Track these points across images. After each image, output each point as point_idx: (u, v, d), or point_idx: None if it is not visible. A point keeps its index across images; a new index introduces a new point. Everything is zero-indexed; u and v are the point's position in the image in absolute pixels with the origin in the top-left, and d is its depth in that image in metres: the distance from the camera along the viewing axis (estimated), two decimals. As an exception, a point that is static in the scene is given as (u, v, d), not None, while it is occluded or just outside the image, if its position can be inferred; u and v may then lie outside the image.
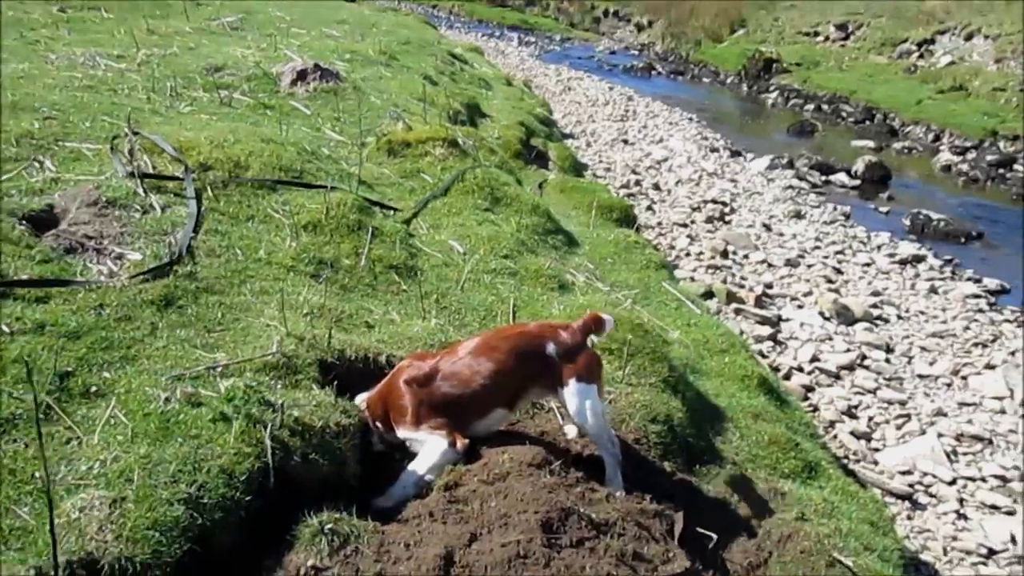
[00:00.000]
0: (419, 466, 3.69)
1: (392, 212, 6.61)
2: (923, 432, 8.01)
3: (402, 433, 3.81)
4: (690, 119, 22.11)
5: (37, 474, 3.05)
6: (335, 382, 4.00)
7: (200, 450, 3.23)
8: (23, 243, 4.59)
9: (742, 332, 8.91)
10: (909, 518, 6.89)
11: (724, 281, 10.36)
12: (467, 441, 3.79)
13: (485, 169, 7.77)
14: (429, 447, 3.74)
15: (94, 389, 3.59)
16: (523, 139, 11.96)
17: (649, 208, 13.18)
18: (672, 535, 3.82)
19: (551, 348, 3.87)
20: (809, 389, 8.31)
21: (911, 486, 7.21)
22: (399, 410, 3.80)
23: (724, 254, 11.37)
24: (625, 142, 18.02)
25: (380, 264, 5.65)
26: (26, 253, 4.50)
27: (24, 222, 4.92)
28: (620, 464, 3.97)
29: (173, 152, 6.15)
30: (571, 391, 3.83)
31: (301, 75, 9.72)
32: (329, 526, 3.16)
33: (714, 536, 4.07)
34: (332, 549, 3.11)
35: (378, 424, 3.88)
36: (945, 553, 6.52)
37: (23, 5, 12.97)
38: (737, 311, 9.44)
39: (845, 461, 7.11)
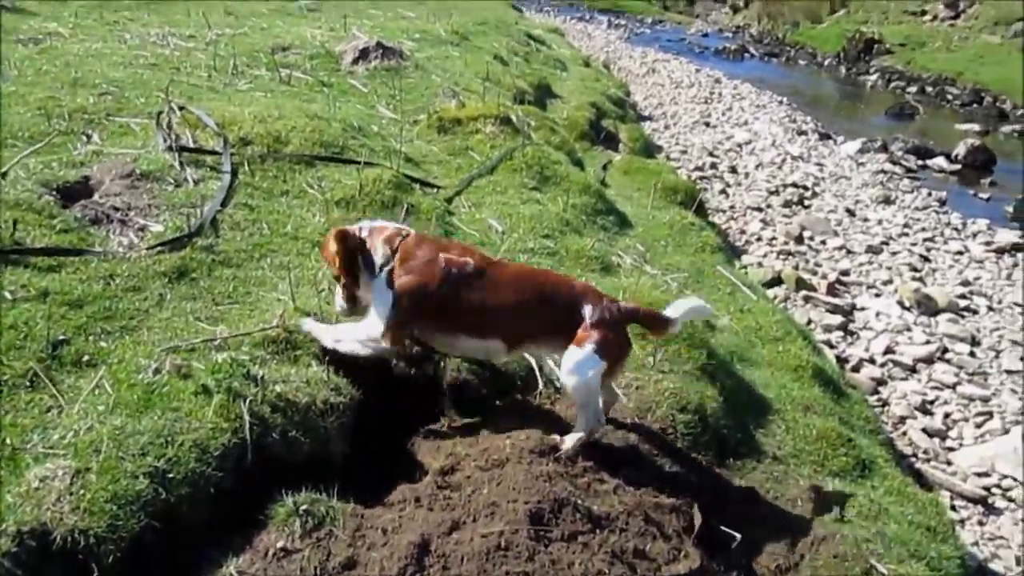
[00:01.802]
0: (348, 332, 3.75)
1: (434, 189, 6.46)
2: (1006, 431, 7.42)
3: (380, 290, 3.66)
4: (780, 102, 21.31)
5: (8, 440, 3.01)
6: (338, 360, 3.87)
7: (177, 423, 3.14)
8: (46, 213, 4.62)
9: (810, 321, 8.46)
10: (981, 523, 6.39)
11: (796, 267, 9.87)
12: (396, 347, 3.77)
13: (536, 147, 7.55)
14: (368, 322, 3.68)
15: (86, 358, 3.55)
16: (592, 120, 11.67)
17: (723, 192, 12.71)
18: (689, 532, 3.57)
19: (587, 310, 3.63)
20: (880, 382, 7.81)
21: (986, 489, 6.69)
22: (407, 271, 3.64)
23: (799, 239, 10.85)
24: (707, 124, 17.48)
25: (413, 241, 5.50)
26: (47, 223, 4.52)
27: (55, 192, 4.97)
28: (590, 435, 3.70)
29: (215, 126, 6.14)
30: (574, 353, 3.57)
31: (363, 54, 9.68)
32: (304, 507, 3.03)
33: (737, 536, 3.79)
34: (305, 531, 2.98)
35: (375, 257, 3.72)
36: (1018, 563, 6.02)
37: (110, -13, 13.32)
38: (807, 299, 8.96)
39: (912, 460, 6.65)
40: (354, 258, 3.72)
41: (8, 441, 3.01)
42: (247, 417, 3.20)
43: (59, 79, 7.25)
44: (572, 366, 3.57)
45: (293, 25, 11.94)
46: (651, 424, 4.22)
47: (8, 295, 3.78)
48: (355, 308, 3.83)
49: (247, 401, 3.26)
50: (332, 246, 3.68)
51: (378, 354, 3.75)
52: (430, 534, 2.95)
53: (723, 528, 3.79)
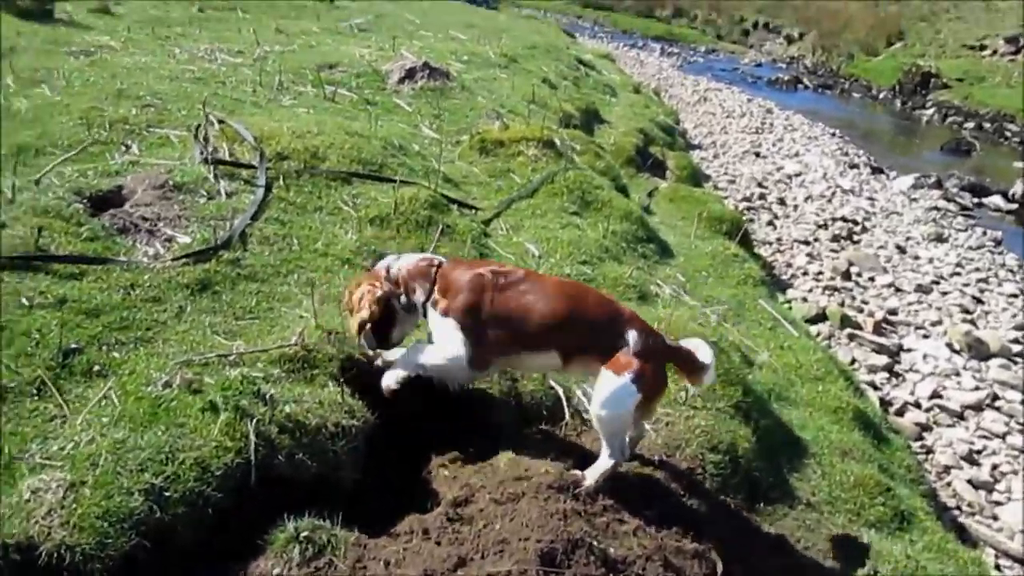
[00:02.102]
0: (427, 355, 3.52)
1: (472, 211, 6.33)
2: (1058, 487, 7.03)
3: (438, 322, 3.51)
4: (832, 134, 20.89)
5: (6, 449, 2.91)
6: (356, 380, 3.74)
7: (180, 440, 3.02)
8: (74, 220, 4.58)
9: (853, 360, 8.13)
10: (1027, 586, 6.02)
11: (842, 304, 9.52)
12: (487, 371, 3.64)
13: (578, 172, 7.40)
14: (448, 345, 3.47)
15: (96, 368, 3.47)
16: (639, 146, 11.49)
17: (770, 223, 12.41)
18: (710, 581, 3.36)
19: (632, 335, 3.42)
20: (925, 428, 7.43)
21: (1035, 549, 6.31)
22: (456, 295, 3.49)
23: (846, 275, 10.50)
24: (757, 155, 17.17)
25: (445, 262, 5.37)
26: (74, 230, 4.48)
27: (86, 201, 4.94)
28: (614, 470, 3.49)
29: (252, 140, 6.10)
30: (610, 380, 3.37)
31: (409, 73, 9.65)
32: (305, 533, 2.88)
33: (762, 586, 3.57)
34: (303, 559, 2.84)
35: (414, 298, 3.58)
36: (1066, 631, 5.65)
37: (166, 4, 13.55)
38: (851, 337, 8.62)
39: (955, 513, 6.29)
40: (392, 313, 3.62)
41: (7, 450, 2.91)
42: (253, 437, 3.07)
43: (104, 90, 7.31)
44: (607, 393, 3.38)
45: (342, 44, 11.99)
46: (679, 463, 4.02)
47: (25, 301, 3.72)
48: (386, 345, 3.73)
49: (254, 420, 3.12)
50: (369, 309, 3.53)
51: (465, 380, 3.61)
52: (434, 570, 2.78)
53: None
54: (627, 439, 3.60)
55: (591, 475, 3.44)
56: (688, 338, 3.78)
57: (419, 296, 3.59)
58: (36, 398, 3.24)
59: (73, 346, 3.53)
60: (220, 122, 6.44)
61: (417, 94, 9.33)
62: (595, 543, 3.03)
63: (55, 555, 2.56)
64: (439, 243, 5.46)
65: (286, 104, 8.06)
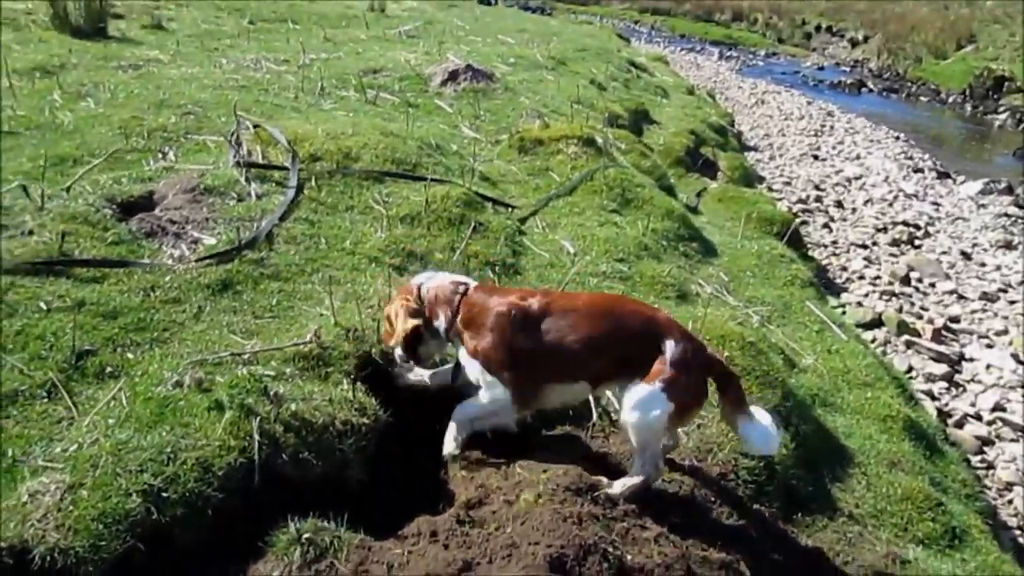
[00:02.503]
0: (473, 409, 3.43)
1: (508, 209, 6.20)
2: None
3: (468, 362, 3.42)
4: (896, 137, 20.20)
5: (9, 452, 2.87)
6: (372, 378, 3.63)
7: (183, 439, 2.95)
8: (100, 225, 4.58)
9: (910, 368, 7.75)
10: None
11: (899, 310, 9.11)
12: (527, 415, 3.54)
13: (619, 170, 7.21)
14: (487, 392, 3.38)
15: (109, 370, 3.43)
16: (689, 147, 11.23)
17: (825, 226, 12.00)
18: (738, 594, 3.16)
19: (668, 345, 3.26)
20: (986, 442, 7.00)
21: (1102, 573, 5.88)
22: (478, 331, 3.37)
23: (905, 280, 10.07)
24: (815, 157, 16.69)
25: (476, 260, 5.25)
26: (100, 235, 4.48)
27: (116, 207, 4.95)
28: (646, 484, 3.32)
29: (285, 143, 6.07)
30: (640, 390, 3.22)
31: (452, 75, 9.57)
32: (307, 535, 2.78)
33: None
34: (304, 561, 2.73)
35: (435, 324, 3.49)
36: None
37: (218, 19, 13.74)
38: (908, 344, 8.22)
39: (1015, 533, 5.90)
40: (420, 337, 3.53)
41: (10, 453, 2.87)
42: (256, 436, 2.98)
43: (147, 101, 7.37)
44: (635, 402, 3.23)
45: (389, 50, 11.98)
46: (710, 468, 3.81)
47: (43, 305, 3.70)
48: (417, 359, 3.64)
49: (259, 419, 3.03)
50: (407, 322, 3.47)
51: (516, 420, 3.49)
52: (437, 575, 2.64)
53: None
54: (660, 449, 3.42)
55: (619, 486, 3.29)
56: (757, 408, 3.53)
57: (440, 323, 3.49)
58: (46, 400, 3.21)
59: (87, 348, 3.50)
60: (255, 126, 6.43)
61: (459, 96, 9.24)
62: (610, 549, 2.87)
63: (48, 558, 2.50)
64: (471, 240, 5.34)
65: (326, 108, 8.04)
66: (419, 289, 3.57)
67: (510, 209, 6.22)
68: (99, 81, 8.12)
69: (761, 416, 3.41)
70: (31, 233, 4.33)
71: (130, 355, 3.54)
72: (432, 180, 5.85)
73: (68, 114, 6.88)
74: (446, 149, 7.12)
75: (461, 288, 3.51)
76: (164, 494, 2.74)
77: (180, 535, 2.72)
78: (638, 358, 3.29)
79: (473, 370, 3.42)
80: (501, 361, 3.33)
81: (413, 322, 3.45)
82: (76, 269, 4.06)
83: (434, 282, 3.58)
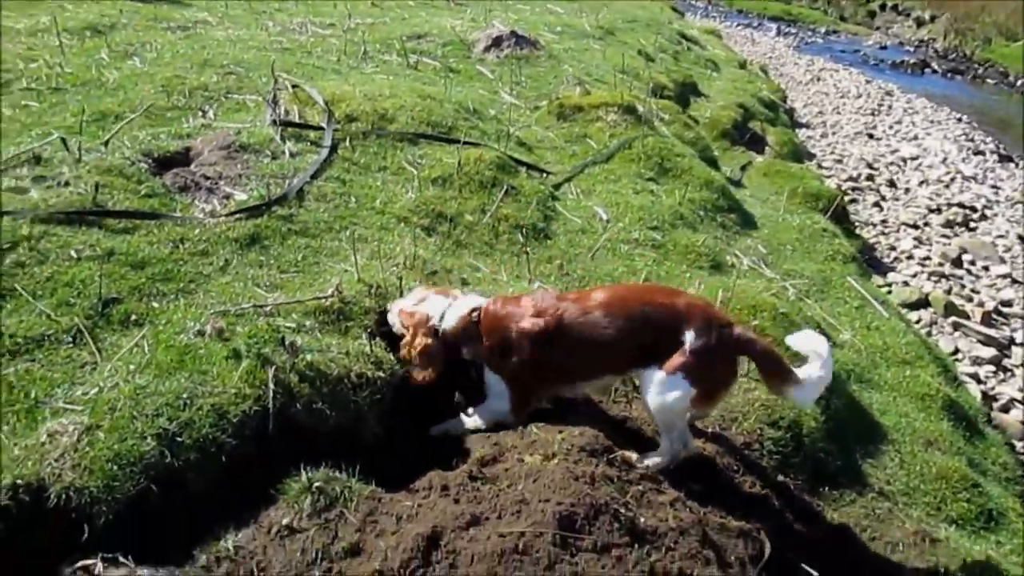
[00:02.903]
0: (474, 419, 3.46)
1: (542, 175, 6.15)
2: None
3: (491, 378, 3.43)
4: (958, 119, 19.58)
5: (32, 394, 2.92)
6: (391, 334, 3.63)
7: (200, 387, 2.98)
8: (135, 179, 4.62)
9: (956, 350, 7.54)
10: None
11: (948, 291, 8.86)
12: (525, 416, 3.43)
13: (659, 138, 7.11)
14: (492, 401, 3.43)
15: (134, 318, 3.46)
16: (737, 121, 11.04)
17: (876, 204, 11.69)
18: (756, 562, 3.10)
19: (689, 335, 3.20)
20: (1032, 428, 6.83)
21: None
22: (503, 356, 3.36)
23: (957, 262, 9.78)
24: (870, 136, 16.26)
25: (506, 223, 5.23)
26: (134, 188, 4.53)
27: (152, 161, 4.99)
28: (672, 461, 3.32)
29: (323, 103, 6.07)
30: (658, 375, 3.20)
31: (496, 42, 9.50)
32: (319, 484, 2.80)
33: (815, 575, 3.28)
34: (315, 510, 2.75)
35: (462, 352, 3.49)
36: None
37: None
38: (956, 326, 7.99)
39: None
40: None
41: (33, 395, 2.92)
42: (271, 385, 3.00)
43: (191, 60, 7.42)
44: (654, 386, 3.22)
45: (435, 15, 11.92)
46: (734, 437, 3.76)
47: (73, 253, 3.75)
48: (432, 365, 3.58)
49: (274, 368, 3.05)
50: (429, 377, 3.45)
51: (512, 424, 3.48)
52: (444, 527, 2.64)
53: (803, 566, 3.29)
54: (686, 427, 3.39)
55: (642, 460, 3.28)
56: (800, 333, 3.43)
57: (467, 354, 3.48)
58: (71, 345, 3.25)
59: (113, 296, 3.54)
60: (294, 87, 6.45)
61: (501, 62, 9.17)
62: (622, 510, 2.83)
63: (63, 496, 2.55)
64: (502, 203, 5.31)
65: (367, 72, 8.04)
66: (435, 326, 3.44)
67: (544, 175, 6.17)
68: (147, 41, 8.21)
69: (809, 372, 3.27)
70: (67, 184, 4.38)
71: (155, 304, 3.58)
72: (466, 143, 5.82)
73: (114, 72, 6.96)
74: (483, 114, 7.07)
75: (474, 317, 3.43)
76: (179, 439, 2.77)
77: (193, 479, 2.75)
78: (661, 348, 3.24)
79: (490, 380, 3.43)
80: (520, 377, 3.36)
81: (439, 367, 3.43)
82: (108, 220, 4.10)
83: (451, 312, 3.46)
